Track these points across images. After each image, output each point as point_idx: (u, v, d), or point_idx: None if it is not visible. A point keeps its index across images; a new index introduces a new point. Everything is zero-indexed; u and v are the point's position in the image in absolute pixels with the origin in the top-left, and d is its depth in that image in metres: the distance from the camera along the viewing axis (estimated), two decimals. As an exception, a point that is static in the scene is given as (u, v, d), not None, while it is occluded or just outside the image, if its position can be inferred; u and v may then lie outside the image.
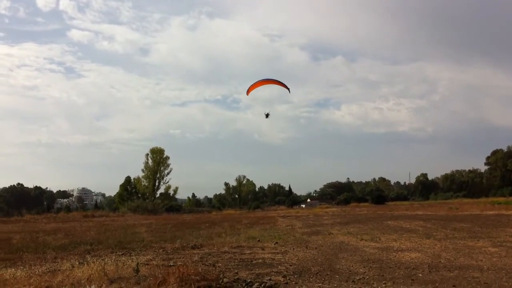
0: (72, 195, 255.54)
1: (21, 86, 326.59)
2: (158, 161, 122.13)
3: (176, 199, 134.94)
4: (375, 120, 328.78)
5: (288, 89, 39.52)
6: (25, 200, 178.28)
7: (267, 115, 39.79)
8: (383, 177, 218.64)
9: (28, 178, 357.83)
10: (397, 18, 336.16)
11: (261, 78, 41.07)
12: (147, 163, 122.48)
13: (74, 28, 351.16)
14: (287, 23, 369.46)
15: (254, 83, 40.15)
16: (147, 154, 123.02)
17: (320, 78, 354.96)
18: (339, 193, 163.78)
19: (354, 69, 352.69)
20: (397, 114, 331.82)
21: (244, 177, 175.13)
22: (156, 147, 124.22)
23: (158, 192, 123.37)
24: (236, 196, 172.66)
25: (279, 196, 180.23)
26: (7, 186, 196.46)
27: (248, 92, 39.97)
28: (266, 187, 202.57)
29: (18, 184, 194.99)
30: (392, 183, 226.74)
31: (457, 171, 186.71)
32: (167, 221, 53.47)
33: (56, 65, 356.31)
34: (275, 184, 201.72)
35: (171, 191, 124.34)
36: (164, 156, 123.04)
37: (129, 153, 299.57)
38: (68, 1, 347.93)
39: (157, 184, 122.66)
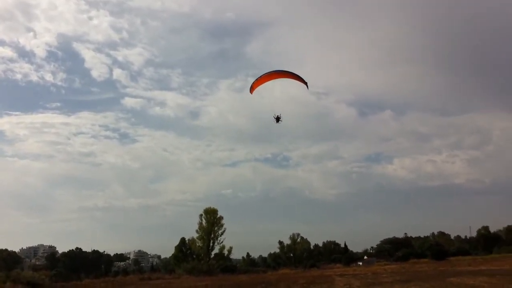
0: (129, 258, 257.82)
1: (78, 153, 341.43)
2: (212, 222, 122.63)
3: (230, 259, 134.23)
4: (429, 173, 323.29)
5: (306, 83, 35.41)
6: (83, 264, 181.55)
7: (277, 119, 36.95)
8: (442, 231, 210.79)
9: (86, 242, 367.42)
10: (445, 70, 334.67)
11: (268, 71, 36.74)
12: (201, 223, 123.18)
13: (127, 95, 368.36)
14: (333, 81, 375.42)
15: (258, 78, 36.29)
16: (201, 215, 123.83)
17: (369, 132, 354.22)
18: (397, 249, 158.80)
19: (403, 122, 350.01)
20: (452, 166, 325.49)
21: (298, 235, 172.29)
22: (210, 208, 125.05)
23: (213, 253, 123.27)
24: (291, 254, 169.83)
25: (335, 253, 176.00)
26: (66, 251, 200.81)
27: (251, 90, 36.73)
28: (321, 244, 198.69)
29: (77, 248, 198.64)
30: (452, 237, 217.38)
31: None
32: (222, 282, 53.28)
33: (111, 131, 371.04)
34: (330, 241, 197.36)
35: (225, 251, 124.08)
36: (218, 216, 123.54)
37: (182, 214, 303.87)
38: (121, 70, 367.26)
39: (211, 244, 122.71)
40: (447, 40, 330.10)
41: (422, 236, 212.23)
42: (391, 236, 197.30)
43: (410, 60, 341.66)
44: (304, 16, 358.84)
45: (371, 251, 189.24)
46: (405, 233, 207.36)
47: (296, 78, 34.46)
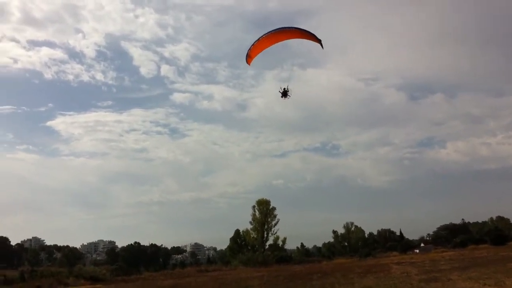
0: (186, 250, 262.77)
1: (131, 149, 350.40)
2: (265, 213, 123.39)
3: (285, 250, 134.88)
4: (484, 156, 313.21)
5: (319, 41, 29.82)
6: (142, 258, 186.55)
7: (284, 93, 32.50)
8: (501, 215, 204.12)
9: (143, 236, 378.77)
10: (497, 48, 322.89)
11: (267, 32, 30.07)
12: (254, 215, 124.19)
13: (176, 91, 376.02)
14: (381, 66, 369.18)
15: (254, 43, 30.28)
16: (254, 206, 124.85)
17: (420, 117, 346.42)
18: (454, 236, 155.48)
19: (455, 104, 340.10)
20: (508, 148, 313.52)
21: (352, 223, 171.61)
22: (262, 199, 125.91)
23: (267, 244, 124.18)
24: (346, 243, 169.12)
25: (390, 241, 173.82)
26: (125, 245, 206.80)
27: (249, 59, 31.85)
28: (375, 232, 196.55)
29: (135, 242, 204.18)
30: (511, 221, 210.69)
31: None
32: (278, 273, 53.75)
33: (162, 127, 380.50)
34: (384, 229, 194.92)
35: (279, 242, 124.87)
36: (270, 207, 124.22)
37: (235, 206, 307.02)
38: (168, 66, 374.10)
39: (265, 235, 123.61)
40: (498, 17, 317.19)
41: (480, 221, 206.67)
42: (447, 222, 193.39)
43: (459, 40, 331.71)
44: (348, 1, 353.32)
45: (428, 238, 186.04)
46: (462, 219, 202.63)
47: (305, 37, 28.97)
